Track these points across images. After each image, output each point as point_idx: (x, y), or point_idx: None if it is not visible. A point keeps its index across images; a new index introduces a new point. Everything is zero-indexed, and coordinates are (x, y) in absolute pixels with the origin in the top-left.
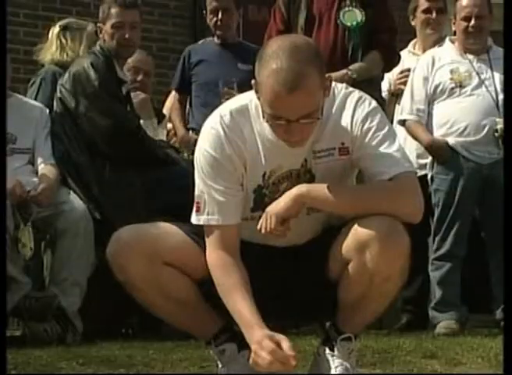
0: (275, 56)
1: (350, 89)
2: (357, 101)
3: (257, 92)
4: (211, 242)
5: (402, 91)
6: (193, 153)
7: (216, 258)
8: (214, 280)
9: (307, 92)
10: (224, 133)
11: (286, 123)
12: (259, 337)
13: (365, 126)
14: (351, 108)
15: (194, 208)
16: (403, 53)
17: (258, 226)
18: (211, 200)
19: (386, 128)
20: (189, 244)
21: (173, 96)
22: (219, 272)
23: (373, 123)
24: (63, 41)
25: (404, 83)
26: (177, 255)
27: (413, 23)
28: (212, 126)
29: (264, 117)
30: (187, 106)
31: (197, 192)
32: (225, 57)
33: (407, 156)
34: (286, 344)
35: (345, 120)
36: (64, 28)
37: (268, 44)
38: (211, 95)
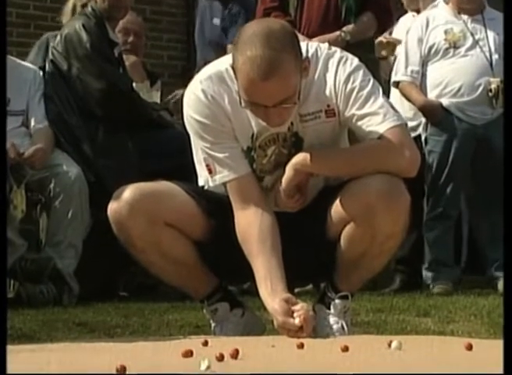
0: (249, 42)
1: (332, 49)
2: (339, 62)
3: (235, 77)
4: (234, 200)
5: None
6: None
7: (241, 222)
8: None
9: (282, 79)
10: (205, 96)
11: (263, 108)
12: (273, 303)
13: (348, 87)
14: (333, 69)
15: (206, 171)
16: (407, 16)
17: (273, 204)
18: (213, 159)
19: (369, 85)
20: (190, 205)
21: None
22: (241, 236)
23: (355, 82)
24: None
25: (391, 51)
26: (178, 216)
27: None
28: (193, 92)
29: (241, 103)
30: None
31: (201, 155)
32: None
33: (393, 109)
34: (298, 313)
35: (328, 82)
36: None
37: (244, 30)
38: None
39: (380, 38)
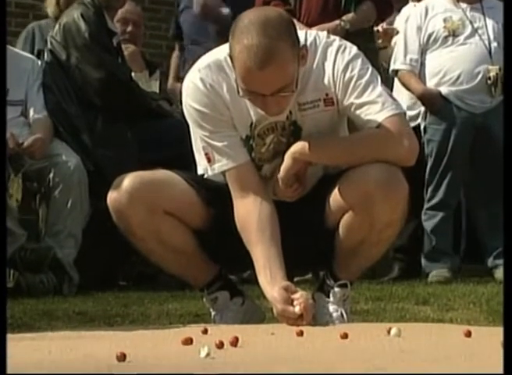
0: (246, 31)
1: (331, 38)
2: (337, 51)
3: (233, 66)
4: (233, 189)
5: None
6: (180, 103)
7: (240, 211)
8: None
9: (279, 67)
10: (203, 85)
11: (261, 96)
12: (273, 292)
13: (346, 76)
14: (332, 58)
15: (205, 160)
16: (408, 6)
17: (272, 193)
18: (212, 147)
19: (368, 74)
20: (189, 194)
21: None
22: (240, 225)
23: (354, 71)
24: None
25: (387, 40)
26: (177, 205)
27: None
28: (191, 80)
29: (239, 92)
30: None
31: (200, 144)
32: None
33: (391, 98)
34: (297, 301)
35: (327, 71)
36: None
37: (240, 18)
38: (197, 46)
39: (377, 27)
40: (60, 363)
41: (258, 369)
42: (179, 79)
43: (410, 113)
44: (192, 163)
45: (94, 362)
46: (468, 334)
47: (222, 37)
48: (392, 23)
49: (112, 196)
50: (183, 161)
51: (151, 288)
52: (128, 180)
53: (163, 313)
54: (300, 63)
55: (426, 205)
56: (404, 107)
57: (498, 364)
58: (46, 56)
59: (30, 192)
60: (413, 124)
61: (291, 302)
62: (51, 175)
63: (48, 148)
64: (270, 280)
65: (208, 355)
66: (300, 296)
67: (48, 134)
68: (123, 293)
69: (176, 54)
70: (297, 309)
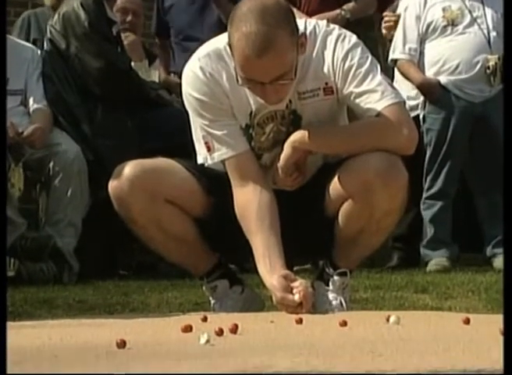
0: (244, 19)
1: (331, 27)
2: (337, 40)
3: (232, 54)
4: (233, 177)
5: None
6: (178, 95)
7: (239, 199)
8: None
9: (278, 54)
10: (203, 74)
11: (260, 84)
12: (272, 280)
13: (346, 65)
14: (331, 47)
15: (205, 149)
16: None
17: (271, 182)
18: (212, 136)
19: (367, 63)
20: (190, 182)
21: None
22: (240, 214)
23: (353, 60)
24: None
25: (388, 28)
26: (178, 193)
27: None
28: (191, 69)
29: (238, 81)
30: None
31: (200, 133)
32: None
33: (391, 87)
34: (297, 289)
35: (327, 60)
36: None
37: (239, 6)
38: (189, 41)
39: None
40: (60, 350)
41: (258, 356)
42: (170, 73)
43: (410, 103)
44: (192, 152)
45: (94, 348)
46: (467, 322)
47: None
48: (394, 11)
49: (113, 184)
50: (183, 150)
51: (151, 277)
52: (129, 168)
53: (163, 302)
54: (299, 51)
55: (425, 195)
56: (405, 97)
57: (497, 353)
58: (46, 45)
59: (31, 181)
60: (413, 114)
61: (290, 290)
62: (51, 164)
63: (48, 138)
64: (269, 268)
65: (207, 342)
66: (299, 284)
67: (47, 124)
68: (123, 282)
69: (160, 48)
70: (297, 297)
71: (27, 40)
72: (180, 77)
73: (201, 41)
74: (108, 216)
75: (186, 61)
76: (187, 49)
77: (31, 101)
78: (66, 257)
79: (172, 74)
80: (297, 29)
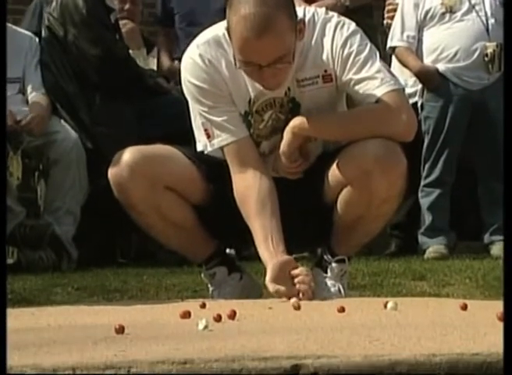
0: (243, 2)
1: (330, 14)
2: (336, 27)
3: (230, 38)
4: (232, 164)
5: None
6: (179, 83)
7: (239, 185)
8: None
9: (276, 36)
10: (202, 61)
11: (258, 68)
12: (270, 266)
13: (345, 52)
14: (330, 34)
15: (204, 136)
16: None
17: (271, 169)
18: (212, 123)
19: (366, 50)
20: (190, 169)
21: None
22: (239, 200)
23: (352, 47)
24: None
25: (391, 17)
26: (178, 180)
27: None
28: (190, 56)
29: (236, 64)
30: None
31: (199, 120)
32: None
33: (390, 73)
34: (297, 278)
35: (326, 47)
36: None
37: None
38: (194, 26)
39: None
40: (58, 335)
41: (255, 341)
42: (174, 60)
43: (408, 91)
44: (191, 140)
45: (93, 334)
46: (464, 308)
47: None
48: None
49: (112, 170)
50: (182, 138)
51: (150, 265)
52: (128, 154)
53: (161, 288)
54: (298, 37)
55: (423, 182)
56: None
57: (494, 337)
58: (44, 33)
59: (29, 169)
60: (410, 102)
61: (291, 278)
62: (50, 152)
63: (47, 125)
64: (270, 252)
65: (205, 327)
66: (299, 272)
67: (46, 112)
68: (122, 269)
69: (163, 36)
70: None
71: (40, 25)
72: None
73: (206, 27)
74: (106, 204)
75: None
76: (192, 35)
77: (29, 89)
78: (65, 245)
79: (177, 62)
80: (296, 14)
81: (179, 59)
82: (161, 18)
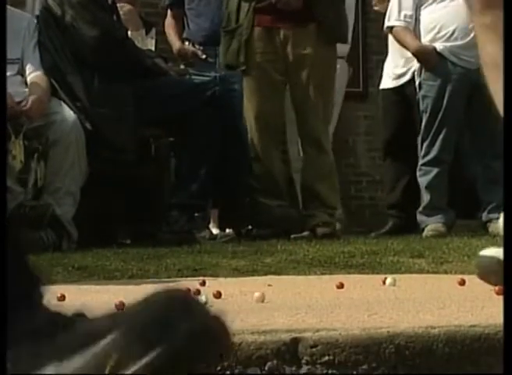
0: None
1: None
2: None
3: None
4: None
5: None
6: (189, 64)
7: None
8: None
9: None
10: None
11: None
12: None
13: None
14: None
15: None
16: None
17: None
18: None
19: None
20: None
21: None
22: None
23: None
24: None
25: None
26: None
27: None
28: None
29: None
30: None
31: None
32: None
33: None
34: None
35: None
36: None
37: None
38: (203, 5)
39: None
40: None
41: (255, 316)
42: (184, 41)
43: (399, 71)
44: (187, 119)
45: (93, 311)
46: (462, 283)
47: None
48: None
49: None
50: (179, 119)
51: (150, 245)
52: None
53: (161, 268)
54: None
55: (421, 161)
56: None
57: (491, 310)
58: (41, 14)
59: (28, 150)
60: (401, 81)
61: None
62: (49, 133)
63: (47, 108)
64: None
65: (205, 303)
66: None
67: (45, 93)
68: (122, 249)
69: (172, 18)
70: None
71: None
72: (194, 44)
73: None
74: (106, 185)
75: (199, 26)
76: (201, 14)
77: (28, 70)
78: (65, 225)
79: (187, 42)
80: None
81: (189, 40)
82: (170, 0)
